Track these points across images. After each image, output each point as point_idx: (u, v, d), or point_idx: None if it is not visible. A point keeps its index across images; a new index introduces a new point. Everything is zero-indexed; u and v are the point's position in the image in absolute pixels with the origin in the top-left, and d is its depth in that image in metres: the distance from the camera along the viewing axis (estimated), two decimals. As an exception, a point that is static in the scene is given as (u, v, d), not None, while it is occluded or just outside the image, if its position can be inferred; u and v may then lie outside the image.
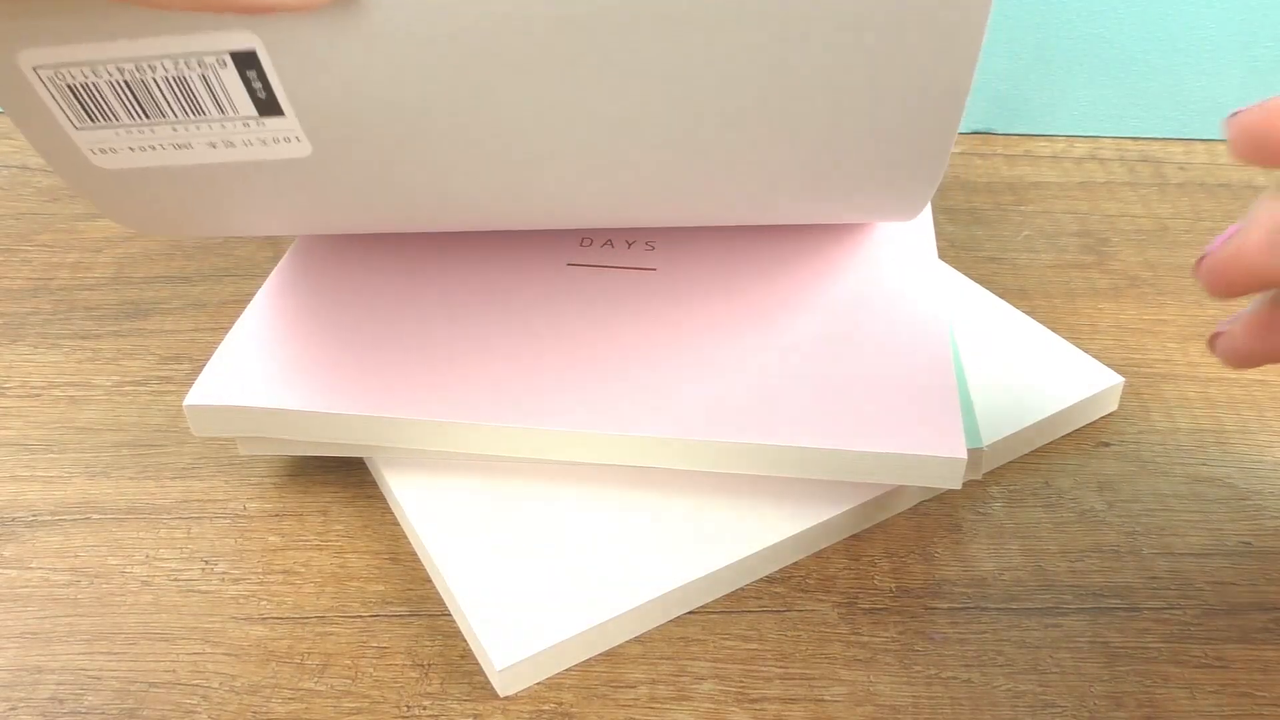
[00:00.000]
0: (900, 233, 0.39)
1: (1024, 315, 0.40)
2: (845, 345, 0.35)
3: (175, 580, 0.32)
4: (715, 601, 0.32)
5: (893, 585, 0.32)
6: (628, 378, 0.34)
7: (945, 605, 0.32)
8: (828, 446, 0.31)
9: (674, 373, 0.34)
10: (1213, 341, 0.29)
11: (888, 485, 0.33)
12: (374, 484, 0.35)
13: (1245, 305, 0.28)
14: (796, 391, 0.33)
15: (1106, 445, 0.37)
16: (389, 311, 0.36)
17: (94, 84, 0.27)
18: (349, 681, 0.30)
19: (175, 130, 0.28)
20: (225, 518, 0.34)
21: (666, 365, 0.34)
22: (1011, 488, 0.35)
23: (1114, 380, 0.38)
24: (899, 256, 0.38)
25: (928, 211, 0.40)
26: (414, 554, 0.33)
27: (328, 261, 0.39)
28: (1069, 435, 0.37)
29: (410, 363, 0.34)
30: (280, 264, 0.39)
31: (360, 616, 0.31)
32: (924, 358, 0.34)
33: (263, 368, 0.34)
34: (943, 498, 0.35)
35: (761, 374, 0.34)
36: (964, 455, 0.31)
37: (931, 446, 0.31)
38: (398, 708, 0.29)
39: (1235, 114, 0.29)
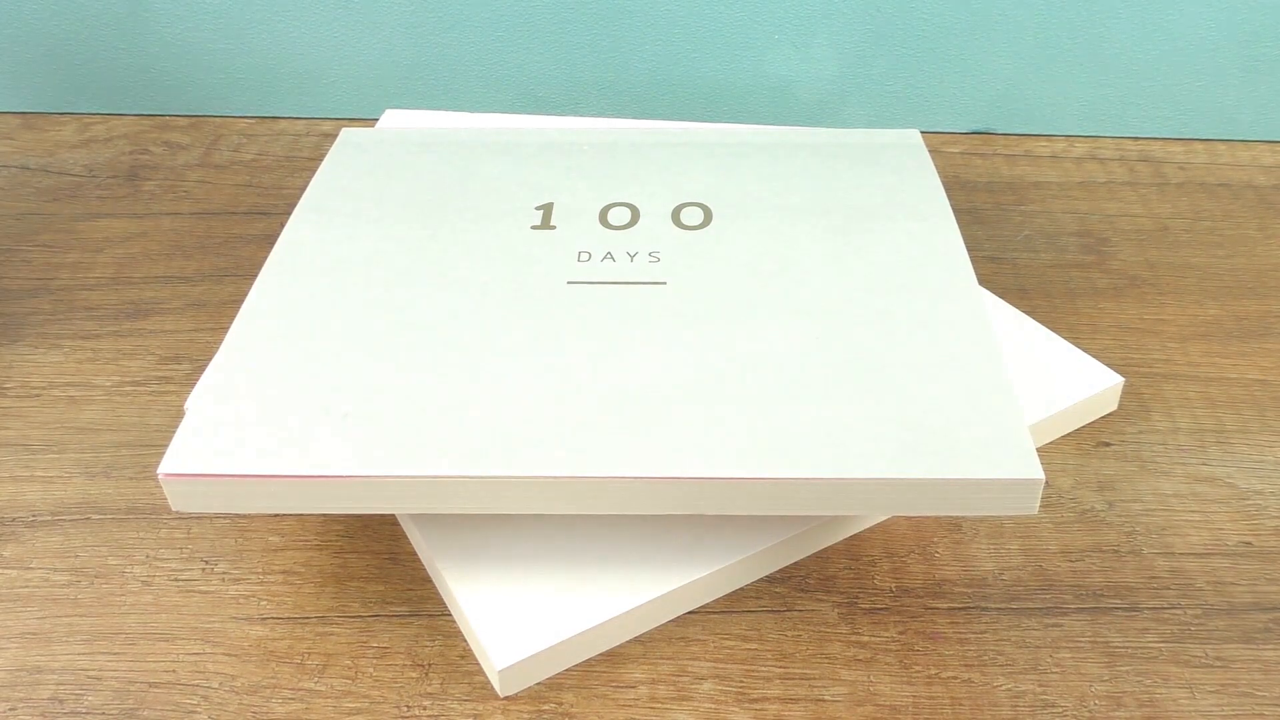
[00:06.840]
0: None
1: (1024, 315, 0.40)
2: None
3: (175, 580, 0.32)
4: (715, 601, 0.32)
5: (893, 585, 0.32)
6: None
7: (945, 605, 0.32)
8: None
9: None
10: None
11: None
12: (374, 484, 0.35)
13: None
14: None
15: (1106, 445, 0.37)
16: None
17: None
18: (349, 681, 0.30)
19: None
20: (225, 518, 0.34)
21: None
22: (1011, 488, 0.35)
23: (1114, 380, 0.38)
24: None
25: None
26: (414, 554, 0.33)
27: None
28: (1069, 435, 0.37)
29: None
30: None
31: (360, 616, 0.31)
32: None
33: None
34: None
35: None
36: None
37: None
38: (398, 708, 0.29)
39: None
